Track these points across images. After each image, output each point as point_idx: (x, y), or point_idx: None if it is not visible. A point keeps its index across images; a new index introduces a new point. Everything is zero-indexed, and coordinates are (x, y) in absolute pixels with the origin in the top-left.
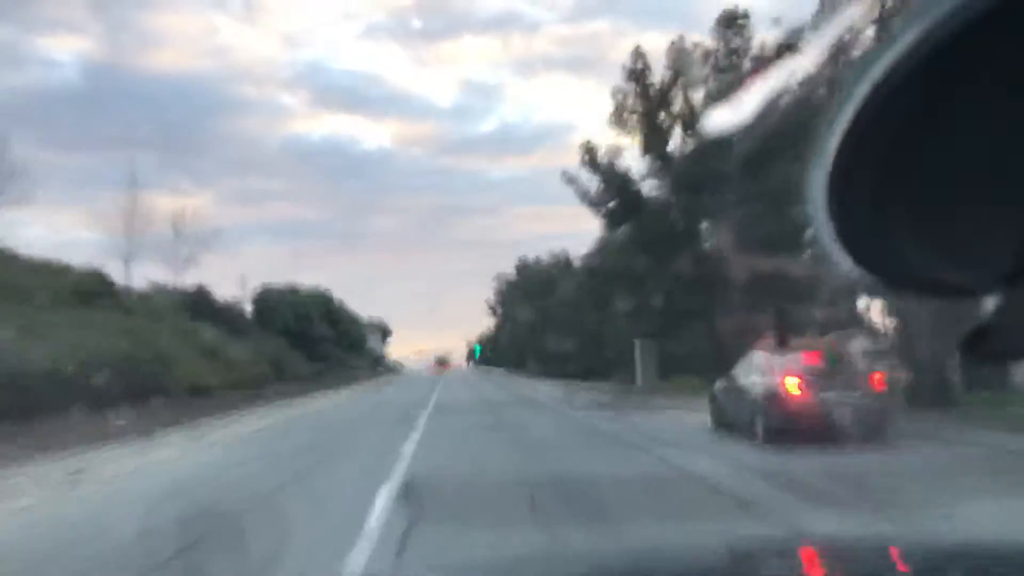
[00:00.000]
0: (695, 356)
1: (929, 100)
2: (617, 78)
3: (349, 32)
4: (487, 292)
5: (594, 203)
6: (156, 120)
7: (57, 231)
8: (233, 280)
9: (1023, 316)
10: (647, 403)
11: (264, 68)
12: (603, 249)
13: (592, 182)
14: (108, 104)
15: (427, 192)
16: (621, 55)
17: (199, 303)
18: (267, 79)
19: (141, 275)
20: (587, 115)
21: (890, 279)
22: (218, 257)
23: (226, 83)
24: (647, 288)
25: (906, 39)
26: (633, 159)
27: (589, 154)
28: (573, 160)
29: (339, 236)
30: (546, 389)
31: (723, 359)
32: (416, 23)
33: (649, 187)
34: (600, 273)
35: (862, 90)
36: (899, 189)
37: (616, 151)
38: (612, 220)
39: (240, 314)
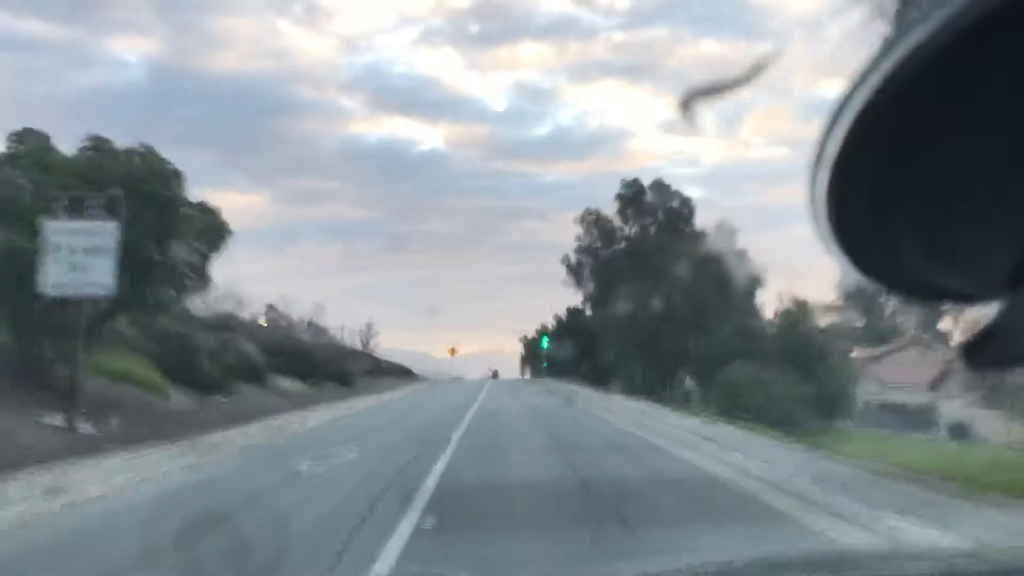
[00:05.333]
0: None
1: (929, 105)
2: (674, 86)
3: (407, 36)
4: (537, 295)
5: None
6: (217, 120)
7: None
8: None
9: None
10: None
11: (324, 71)
12: None
13: None
14: (171, 103)
15: (479, 195)
16: (678, 62)
17: None
18: (326, 82)
19: None
20: (642, 122)
21: (891, 284)
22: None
23: (286, 85)
24: None
25: (906, 44)
26: None
27: None
28: (626, 166)
29: (390, 236)
30: None
31: None
32: (473, 28)
33: None
34: None
35: (862, 95)
36: (900, 194)
37: None
38: None
39: None
